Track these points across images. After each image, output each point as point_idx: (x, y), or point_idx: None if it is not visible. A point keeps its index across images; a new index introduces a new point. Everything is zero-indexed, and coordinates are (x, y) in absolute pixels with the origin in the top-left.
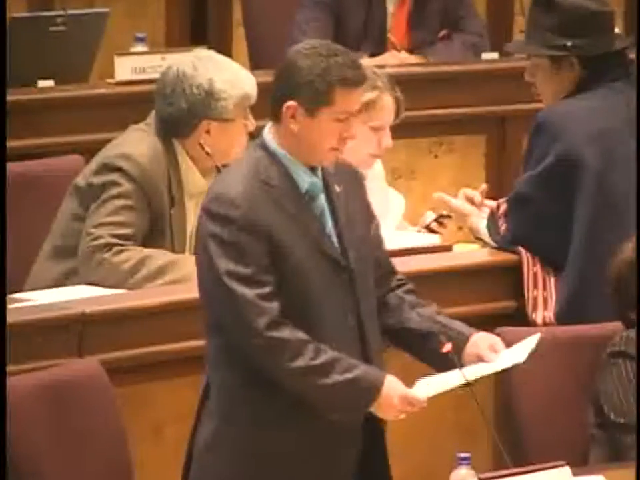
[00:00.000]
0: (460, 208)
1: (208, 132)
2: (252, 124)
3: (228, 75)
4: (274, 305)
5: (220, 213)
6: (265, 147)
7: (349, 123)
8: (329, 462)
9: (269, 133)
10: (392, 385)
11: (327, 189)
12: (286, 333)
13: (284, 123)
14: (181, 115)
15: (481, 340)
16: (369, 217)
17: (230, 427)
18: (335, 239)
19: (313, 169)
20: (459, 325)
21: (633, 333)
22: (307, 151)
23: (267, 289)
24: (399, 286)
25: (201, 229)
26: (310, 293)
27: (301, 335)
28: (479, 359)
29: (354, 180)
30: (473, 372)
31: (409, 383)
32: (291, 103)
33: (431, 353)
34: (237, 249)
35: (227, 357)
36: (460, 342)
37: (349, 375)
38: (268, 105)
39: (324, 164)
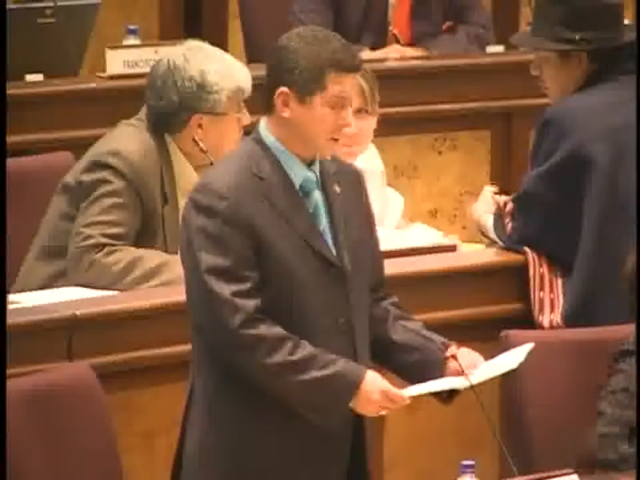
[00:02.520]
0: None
1: (200, 126)
2: (246, 118)
3: (220, 67)
4: (250, 303)
5: (205, 204)
6: (259, 140)
7: (344, 111)
8: (317, 471)
9: (264, 126)
10: (373, 379)
11: (324, 186)
12: (262, 329)
13: (277, 111)
14: (172, 108)
15: (462, 356)
16: (369, 221)
17: (215, 435)
18: (329, 237)
19: (309, 165)
20: (442, 340)
21: None
22: (303, 141)
23: (246, 285)
24: (384, 298)
25: (186, 220)
26: (296, 289)
27: (279, 330)
28: (459, 375)
29: (355, 181)
30: (472, 378)
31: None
32: (282, 88)
33: (409, 367)
34: (220, 241)
35: (209, 358)
36: (442, 356)
37: (327, 371)
38: (262, 97)
39: (322, 155)
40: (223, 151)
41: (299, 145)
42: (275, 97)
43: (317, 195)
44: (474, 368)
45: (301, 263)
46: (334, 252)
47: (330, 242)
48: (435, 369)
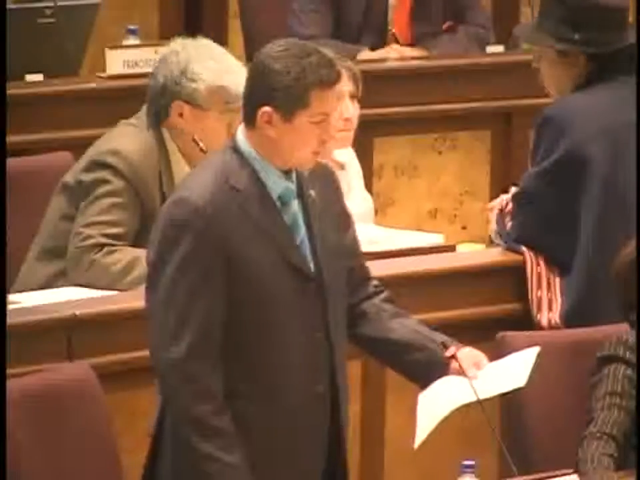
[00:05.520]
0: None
1: (181, 115)
2: (237, 123)
3: (212, 63)
4: (195, 336)
5: (180, 218)
6: (236, 150)
7: (327, 125)
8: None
9: (242, 137)
10: None
11: (301, 193)
12: (204, 368)
13: (259, 129)
14: (157, 91)
15: (465, 356)
16: (344, 222)
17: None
18: (307, 248)
19: (287, 173)
20: (443, 338)
21: (624, 335)
22: (285, 156)
23: (202, 304)
24: (375, 293)
25: (157, 231)
26: (272, 304)
27: (215, 381)
28: (461, 374)
29: (329, 183)
30: (479, 389)
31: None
32: (266, 108)
33: (411, 365)
34: (190, 257)
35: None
36: (445, 356)
37: (224, 456)
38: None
39: (303, 168)
40: (206, 148)
41: (279, 159)
42: (257, 115)
43: (295, 205)
44: (477, 368)
45: (276, 277)
46: (312, 264)
47: (308, 253)
48: (439, 368)
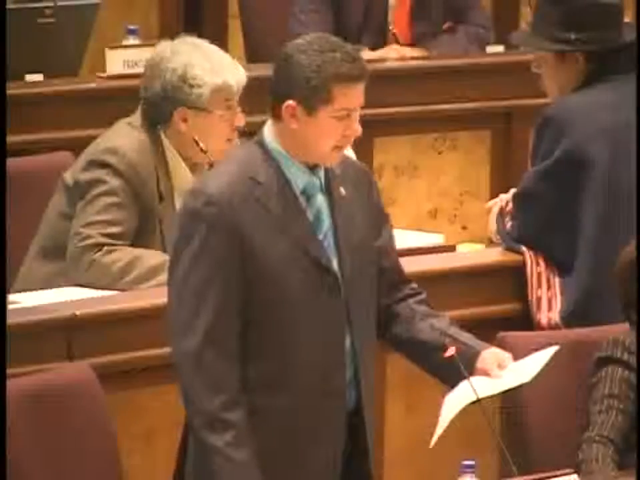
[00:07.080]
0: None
1: (185, 121)
2: (239, 119)
3: (208, 62)
4: (208, 325)
5: (193, 209)
6: (261, 144)
7: (350, 121)
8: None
9: (268, 130)
10: None
11: (329, 189)
12: (218, 358)
13: (284, 122)
14: (156, 100)
15: (489, 356)
16: (378, 221)
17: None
18: (330, 243)
19: (313, 169)
20: (470, 339)
21: (621, 336)
22: (308, 150)
23: (216, 294)
24: (410, 295)
25: (176, 224)
26: (286, 296)
27: (229, 373)
28: (486, 376)
29: (363, 181)
30: (480, 389)
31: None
32: (290, 102)
33: (438, 366)
34: (203, 247)
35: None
36: (470, 357)
37: (230, 452)
38: (267, 100)
39: (327, 163)
40: (210, 148)
41: (304, 153)
42: (282, 108)
43: (320, 199)
44: (502, 369)
45: (293, 270)
46: (335, 258)
47: (332, 247)
48: (465, 368)
